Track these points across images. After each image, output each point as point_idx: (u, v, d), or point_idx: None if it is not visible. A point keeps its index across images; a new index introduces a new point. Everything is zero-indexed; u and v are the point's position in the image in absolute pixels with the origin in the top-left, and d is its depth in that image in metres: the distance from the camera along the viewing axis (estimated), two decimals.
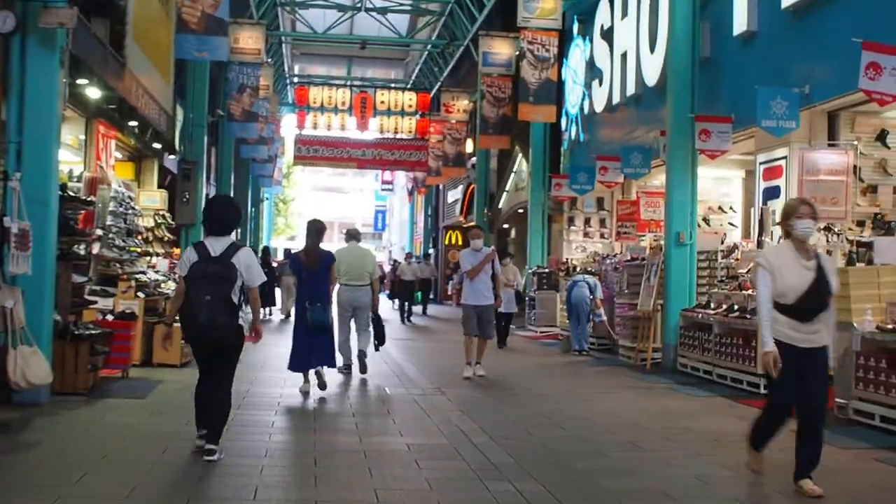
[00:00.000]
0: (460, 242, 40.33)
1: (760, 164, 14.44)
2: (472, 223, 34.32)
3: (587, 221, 23.01)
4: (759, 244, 13.64)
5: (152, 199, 17.70)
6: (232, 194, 29.60)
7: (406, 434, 8.37)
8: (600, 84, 20.53)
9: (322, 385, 10.91)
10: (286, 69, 40.55)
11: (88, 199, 12.15)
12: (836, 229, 12.04)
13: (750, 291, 12.24)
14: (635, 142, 17.44)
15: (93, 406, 9.28)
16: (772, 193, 14.04)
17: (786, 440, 6.77)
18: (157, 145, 17.30)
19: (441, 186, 41.42)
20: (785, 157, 13.74)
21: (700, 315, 13.08)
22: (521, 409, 10.08)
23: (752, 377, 11.41)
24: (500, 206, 30.71)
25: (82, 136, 13.78)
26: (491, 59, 25.33)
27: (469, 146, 32.96)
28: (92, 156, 13.54)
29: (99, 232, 12.85)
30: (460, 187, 37.67)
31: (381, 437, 8.23)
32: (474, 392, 11.46)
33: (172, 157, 19.57)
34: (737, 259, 13.96)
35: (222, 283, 6.80)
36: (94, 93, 12.31)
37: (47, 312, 9.46)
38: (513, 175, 29.24)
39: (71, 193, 11.14)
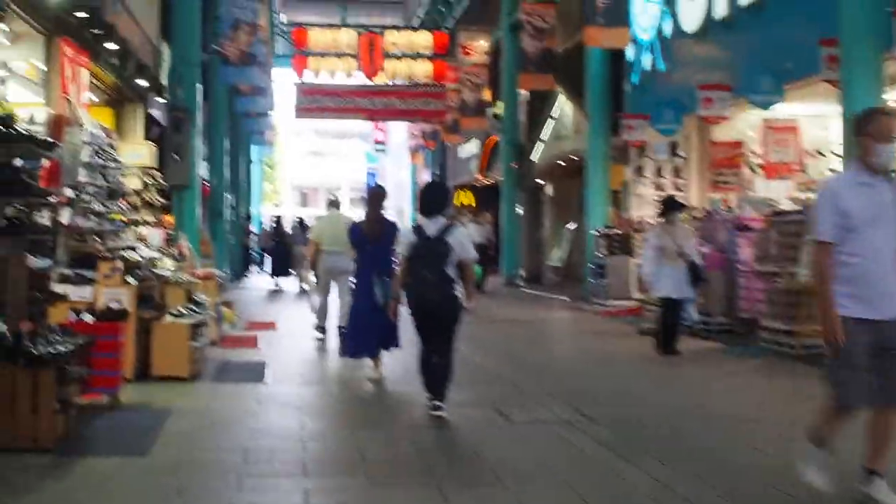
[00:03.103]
0: (474, 203, 36.21)
1: None
2: (492, 181, 30.24)
3: (657, 171, 19.24)
4: None
5: (137, 153, 13.91)
6: (227, 157, 25.27)
7: None
8: None
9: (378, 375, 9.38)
10: (274, 17, 36.33)
11: (52, 142, 8.30)
12: None
13: None
14: (756, 63, 13.53)
15: (60, 480, 5.48)
16: None
17: None
18: (141, 82, 13.41)
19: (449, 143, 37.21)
20: None
21: None
22: (760, 463, 6.28)
23: None
24: (533, 158, 26.71)
25: (41, 65, 9.91)
26: None
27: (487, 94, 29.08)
28: (55, 86, 9.66)
29: (69, 193, 8.99)
30: (474, 141, 33.71)
31: None
32: (637, 414, 7.77)
33: (161, 100, 15.56)
34: None
35: (438, 259, 7.30)
36: None
37: None
38: (550, 122, 25.26)
39: (23, 131, 7.26)
